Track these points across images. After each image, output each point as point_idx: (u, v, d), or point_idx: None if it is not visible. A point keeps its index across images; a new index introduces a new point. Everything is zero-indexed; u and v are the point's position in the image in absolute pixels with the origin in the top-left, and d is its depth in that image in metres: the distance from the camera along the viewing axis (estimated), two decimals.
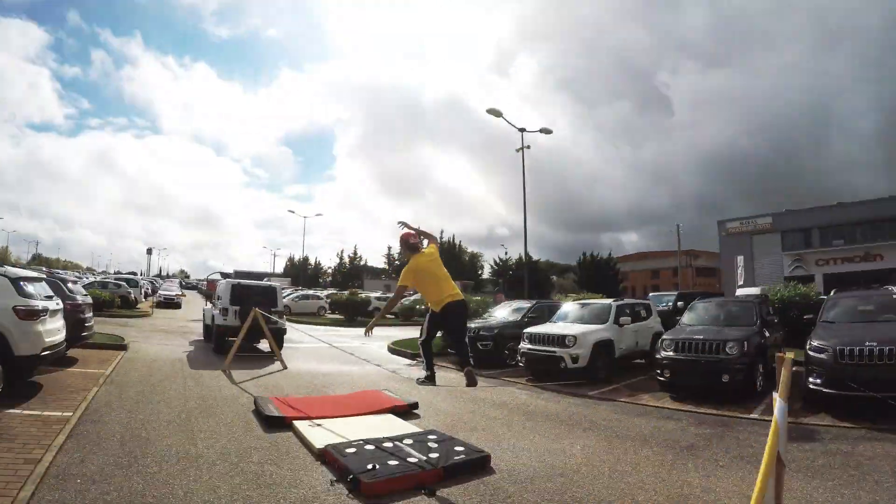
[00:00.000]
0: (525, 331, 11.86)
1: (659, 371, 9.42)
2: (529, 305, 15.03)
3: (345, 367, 12.25)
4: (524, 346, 11.58)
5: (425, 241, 6.17)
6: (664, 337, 9.79)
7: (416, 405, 7.83)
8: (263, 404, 7.25)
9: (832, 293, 10.73)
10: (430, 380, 6.01)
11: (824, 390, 7.69)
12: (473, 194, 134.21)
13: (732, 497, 4.63)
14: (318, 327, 24.20)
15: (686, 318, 11.10)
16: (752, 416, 7.87)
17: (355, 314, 28.95)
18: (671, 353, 9.24)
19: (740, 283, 34.90)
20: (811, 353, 8.06)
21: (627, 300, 13.95)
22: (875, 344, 7.47)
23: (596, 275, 47.53)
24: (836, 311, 9.52)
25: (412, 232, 6.08)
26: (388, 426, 6.62)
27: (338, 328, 25.19)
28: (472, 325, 12.71)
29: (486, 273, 71.79)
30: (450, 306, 5.77)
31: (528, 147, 22.79)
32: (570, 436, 6.71)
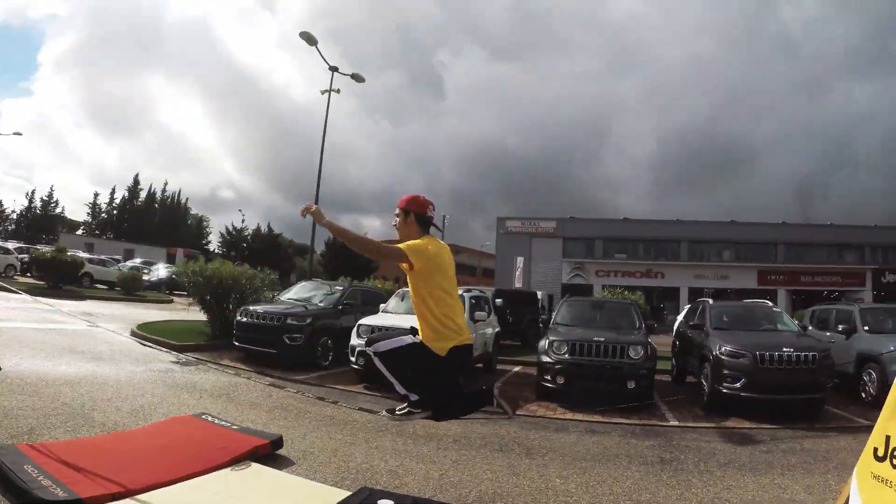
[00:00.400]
0: (363, 323, 9.47)
1: (550, 377, 8.59)
2: (343, 289, 12.30)
3: (92, 367, 8.11)
4: (362, 342, 8.81)
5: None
6: (552, 339, 8.96)
7: (280, 441, 5.02)
8: (17, 470, 3.63)
9: (710, 301, 10.99)
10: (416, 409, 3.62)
11: (742, 394, 7.83)
12: (200, 144, 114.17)
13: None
14: (11, 296, 16.02)
15: (559, 317, 10.52)
16: (672, 423, 7.69)
17: (62, 280, 22.30)
18: (566, 357, 8.49)
19: (518, 284, 36.21)
20: (725, 357, 8.17)
21: (475, 291, 12.47)
22: (791, 350, 7.90)
23: (346, 259, 43.56)
24: (725, 318, 9.92)
25: (420, 196, 3.63)
26: (274, 490, 3.99)
27: (41, 298, 16.26)
28: (265, 308, 10.51)
29: (213, 244, 60.21)
30: (463, 352, 3.50)
31: (339, 91, 19.97)
32: (520, 463, 5.48)
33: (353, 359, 9.20)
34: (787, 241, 43.22)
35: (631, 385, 8.29)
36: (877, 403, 8.30)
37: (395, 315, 9.83)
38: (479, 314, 10.46)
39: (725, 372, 8.02)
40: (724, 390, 7.95)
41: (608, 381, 8.41)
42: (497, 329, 12.36)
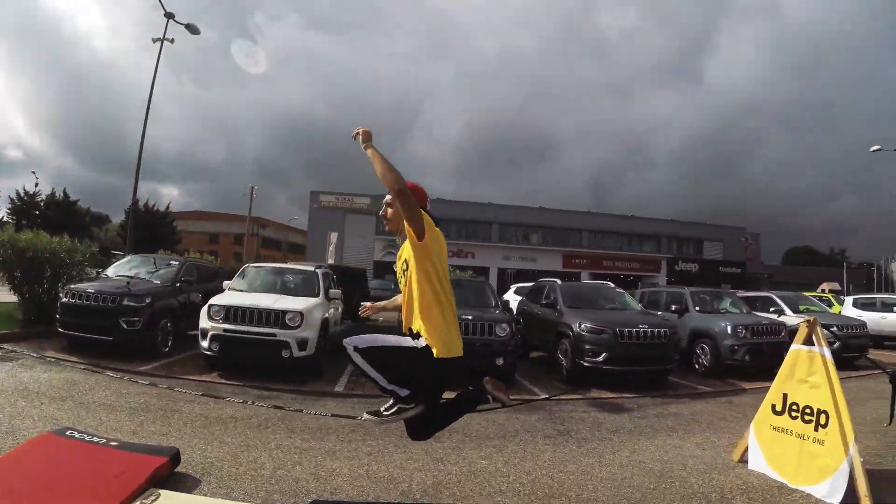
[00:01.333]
0: (217, 303, 8.27)
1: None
2: (179, 263, 10.89)
3: None
4: (216, 325, 7.99)
5: None
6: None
7: (178, 455, 4.07)
8: None
9: (558, 282, 11.56)
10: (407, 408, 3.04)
11: (604, 367, 8.51)
12: None
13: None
14: None
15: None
16: (542, 396, 7.96)
17: None
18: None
19: (331, 261, 35.48)
20: (586, 333, 8.77)
21: (324, 267, 11.68)
22: (647, 326, 8.76)
23: (150, 231, 39.66)
24: (574, 297, 10.51)
25: (420, 185, 3.07)
26: None
27: None
28: (96, 287, 8.82)
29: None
30: (460, 364, 2.97)
31: (172, 41, 17.75)
32: (434, 448, 5.20)
33: (204, 344, 7.99)
34: (591, 229, 48.35)
35: (500, 362, 8.47)
36: (710, 373, 9.77)
37: (250, 294, 8.85)
38: (333, 292, 9.96)
39: (587, 347, 8.61)
40: (586, 363, 8.55)
41: (479, 358, 8.43)
42: (342, 307, 11.87)
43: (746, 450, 4.99)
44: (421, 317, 2.83)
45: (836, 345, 10.97)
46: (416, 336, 2.87)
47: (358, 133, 2.95)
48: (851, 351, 11.63)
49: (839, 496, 4.06)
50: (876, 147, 29.10)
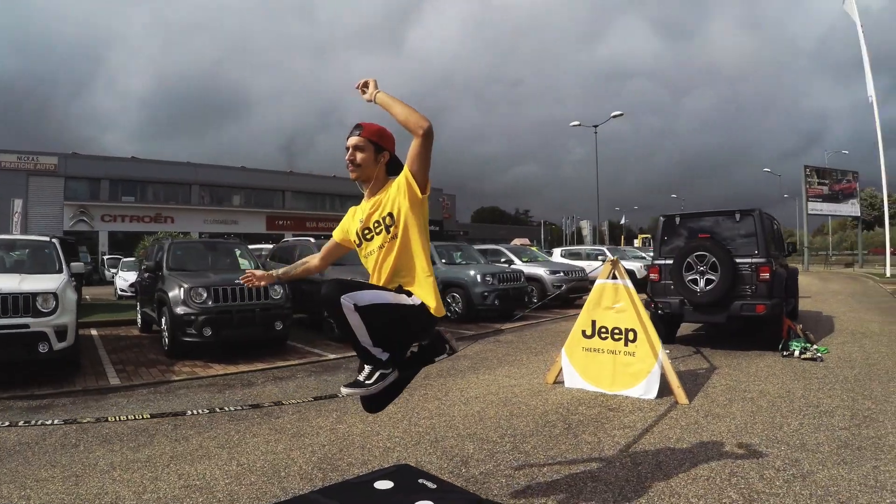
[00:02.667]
0: None
1: (194, 330, 7.60)
2: None
3: None
4: None
5: None
6: (187, 285, 7.80)
7: None
8: None
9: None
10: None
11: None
12: None
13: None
14: None
15: (172, 263, 9.05)
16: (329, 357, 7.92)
17: None
18: (210, 305, 7.69)
19: (17, 231, 29.72)
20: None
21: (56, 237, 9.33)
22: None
23: None
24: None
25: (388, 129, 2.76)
26: None
27: None
28: None
29: None
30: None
31: None
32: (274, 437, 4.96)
33: None
34: (295, 189, 47.65)
35: (279, 326, 8.20)
36: (464, 318, 10.79)
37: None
38: (76, 266, 8.21)
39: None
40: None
41: (258, 325, 8.03)
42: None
43: (560, 372, 5.83)
44: (417, 274, 2.65)
45: (564, 287, 13.31)
46: (409, 294, 2.66)
47: (366, 83, 2.58)
48: (577, 292, 13.97)
49: (654, 392, 5.11)
50: (575, 123, 33.31)
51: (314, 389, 5.95)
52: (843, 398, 5.12)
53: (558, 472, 3.54)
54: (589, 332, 5.72)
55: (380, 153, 2.63)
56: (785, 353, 7.15)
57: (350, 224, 2.80)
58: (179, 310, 7.55)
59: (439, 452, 3.91)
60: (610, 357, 5.49)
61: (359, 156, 2.63)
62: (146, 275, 9.69)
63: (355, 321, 2.47)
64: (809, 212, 38.77)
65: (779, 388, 5.53)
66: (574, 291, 14.22)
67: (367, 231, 2.68)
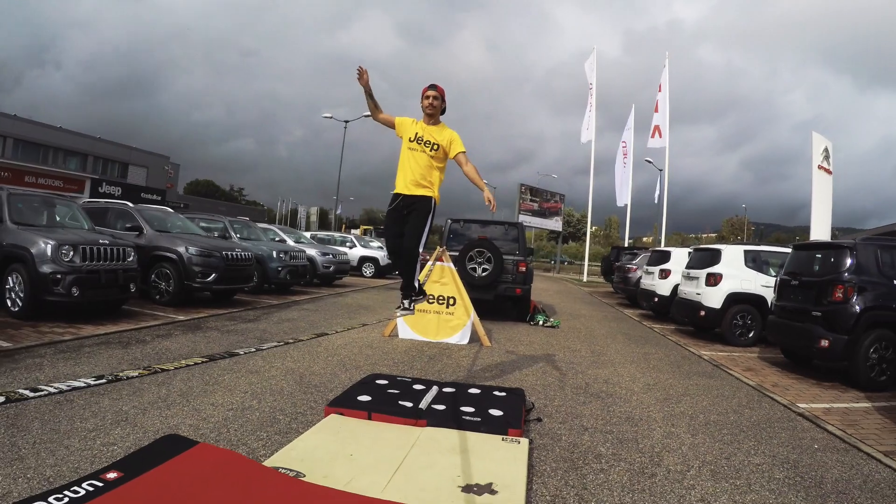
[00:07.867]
0: None
1: (62, 290, 7.58)
2: None
3: None
4: None
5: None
6: (52, 242, 7.64)
7: None
8: None
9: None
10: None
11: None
12: None
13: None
14: None
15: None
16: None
17: None
18: (79, 263, 7.79)
19: None
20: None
21: None
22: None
23: None
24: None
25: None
26: None
27: None
28: None
29: None
30: None
31: None
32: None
33: None
34: (17, 136, 41.75)
35: (132, 289, 8.59)
36: (261, 291, 12.84)
37: None
38: None
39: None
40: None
41: (120, 285, 8.33)
42: None
43: (394, 328, 8.40)
44: (433, 182, 4.90)
45: (332, 268, 16.20)
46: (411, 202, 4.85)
47: (363, 71, 4.73)
48: (341, 274, 16.87)
49: (466, 339, 8.13)
50: (327, 115, 35.21)
51: (217, 344, 6.87)
52: (583, 345, 9.06)
53: (449, 376, 6.13)
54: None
55: (443, 103, 4.97)
56: (532, 323, 10.98)
57: (409, 125, 4.96)
58: (46, 268, 7.46)
59: (364, 372, 5.86)
60: (435, 316, 8.31)
61: (436, 103, 4.90)
62: None
63: (418, 264, 4.93)
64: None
65: (541, 340, 9.16)
66: (340, 273, 17.41)
67: (420, 139, 4.87)
